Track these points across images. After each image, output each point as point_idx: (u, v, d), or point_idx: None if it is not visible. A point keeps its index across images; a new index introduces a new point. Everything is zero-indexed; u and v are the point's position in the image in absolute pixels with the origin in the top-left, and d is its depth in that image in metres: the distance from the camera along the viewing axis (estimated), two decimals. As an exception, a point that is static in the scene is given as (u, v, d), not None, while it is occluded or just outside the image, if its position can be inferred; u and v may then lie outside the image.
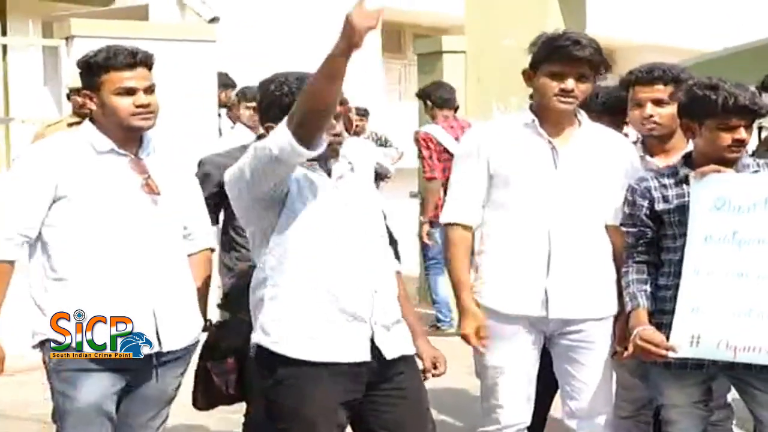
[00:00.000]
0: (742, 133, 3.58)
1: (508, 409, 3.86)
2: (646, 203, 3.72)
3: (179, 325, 3.60)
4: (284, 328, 3.30)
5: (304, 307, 3.30)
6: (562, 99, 3.72)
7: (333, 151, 3.36)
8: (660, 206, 3.69)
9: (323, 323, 3.29)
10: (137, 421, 3.65)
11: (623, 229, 3.78)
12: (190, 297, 3.69)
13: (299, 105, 3.08)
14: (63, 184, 3.47)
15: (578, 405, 3.86)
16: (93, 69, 3.51)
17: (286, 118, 3.10)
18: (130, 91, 3.48)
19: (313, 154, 3.12)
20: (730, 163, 3.63)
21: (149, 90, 3.52)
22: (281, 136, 3.09)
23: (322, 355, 3.28)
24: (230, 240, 4.28)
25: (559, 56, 3.70)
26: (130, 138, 3.57)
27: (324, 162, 3.38)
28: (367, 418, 3.42)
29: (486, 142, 3.84)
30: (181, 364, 3.69)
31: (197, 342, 3.76)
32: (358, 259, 3.35)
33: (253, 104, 6.54)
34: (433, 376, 3.64)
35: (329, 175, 3.39)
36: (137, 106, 3.49)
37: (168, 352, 3.58)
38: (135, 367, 3.53)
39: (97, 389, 3.47)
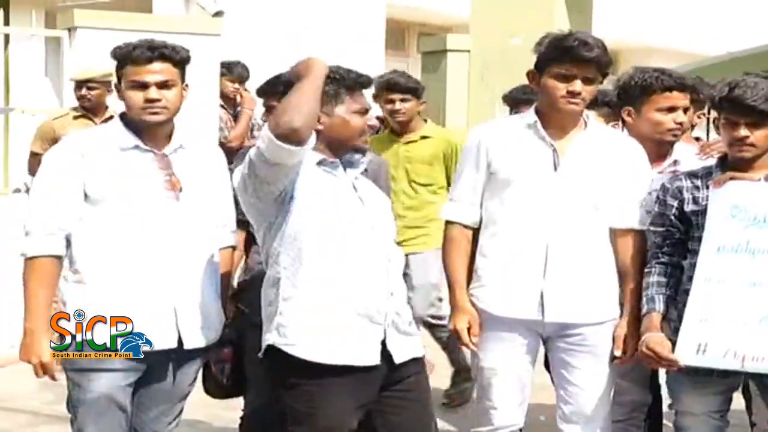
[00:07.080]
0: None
1: (502, 411, 3.82)
2: (675, 203, 3.65)
3: (201, 323, 3.56)
4: (299, 329, 3.25)
5: (320, 308, 3.26)
6: (570, 101, 3.65)
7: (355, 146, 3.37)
8: (689, 207, 3.61)
9: (339, 326, 3.25)
10: (149, 414, 3.64)
11: (651, 228, 3.72)
12: (213, 295, 3.63)
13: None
14: (88, 182, 3.44)
15: (572, 409, 3.82)
16: (118, 62, 3.51)
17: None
18: (143, 85, 3.44)
19: (299, 150, 3.12)
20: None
21: (163, 85, 3.46)
22: (265, 138, 3.11)
23: (337, 358, 3.24)
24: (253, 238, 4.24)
25: (566, 58, 3.62)
26: (154, 133, 3.52)
27: (345, 158, 3.37)
28: (373, 419, 3.38)
29: (487, 141, 3.79)
30: (198, 361, 3.66)
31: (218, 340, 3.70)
32: (377, 260, 3.32)
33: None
34: None
35: (344, 168, 3.37)
36: (146, 101, 3.44)
37: (189, 351, 3.55)
38: (152, 363, 3.51)
39: (109, 380, 3.46)
